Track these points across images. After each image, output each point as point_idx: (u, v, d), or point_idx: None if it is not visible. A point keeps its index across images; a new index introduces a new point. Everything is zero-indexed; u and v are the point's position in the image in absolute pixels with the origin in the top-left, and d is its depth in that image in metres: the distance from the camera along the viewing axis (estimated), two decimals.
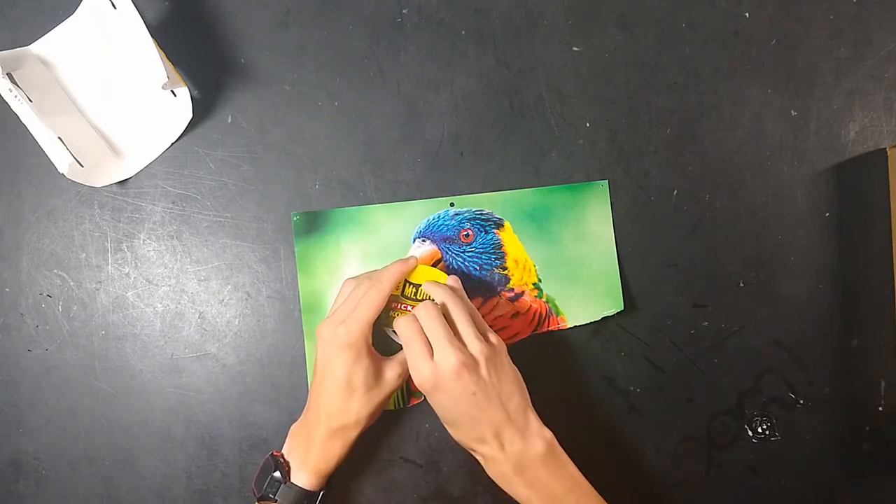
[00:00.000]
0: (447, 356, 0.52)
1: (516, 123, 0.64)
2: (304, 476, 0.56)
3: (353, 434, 0.56)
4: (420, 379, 0.53)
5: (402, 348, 0.58)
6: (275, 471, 0.57)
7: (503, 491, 0.54)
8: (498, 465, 0.53)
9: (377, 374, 0.56)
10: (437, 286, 0.57)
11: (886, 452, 0.64)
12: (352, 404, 0.55)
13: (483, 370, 0.53)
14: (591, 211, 0.64)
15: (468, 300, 0.57)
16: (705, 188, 0.65)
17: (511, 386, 0.54)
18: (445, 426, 0.56)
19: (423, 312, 0.54)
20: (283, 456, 0.58)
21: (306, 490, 0.56)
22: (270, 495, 0.56)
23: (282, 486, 0.56)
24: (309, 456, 0.57)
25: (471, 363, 0.52)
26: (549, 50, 0.64)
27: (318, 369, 0.57)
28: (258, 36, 0.64)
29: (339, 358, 0.55)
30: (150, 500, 0.64)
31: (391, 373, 0.57)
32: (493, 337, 0.55)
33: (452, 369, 0.52)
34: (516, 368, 0.56)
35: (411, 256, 0.60)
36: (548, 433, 0.54)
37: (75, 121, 0.63)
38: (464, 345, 0.53)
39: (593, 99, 0.64)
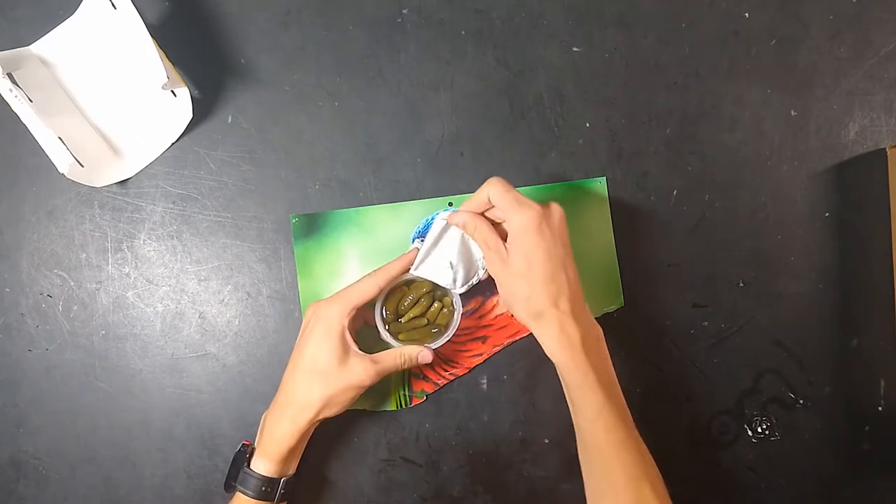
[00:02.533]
0: (551, 203, 0.54)
1: (516, 123, 0.64)
2: (260, 462, 0.56)
3: (303, 417, 0.55)
4: (526, 215, 0.52)
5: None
6: (237, 457, 0.57)
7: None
8: (566, 332, 0.53)
9: (343, 359, 0.55)
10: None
11: (886, 452, 0.64)
12: (308, 383, 0.55)
13: (566, 233, 0.55)
14: (590, 207, 0.64)
15: None
16: (705, 188, 0.65)
17: (573, 260, 0.55)
18: (514, 285, 0.53)
19: (501, 182, 0.54)
20: (251, 444, 0.58)
21: (263, 476, 0.55)
22: (233, 482, 0.56)
23: (240, 471, 0.56)
24: (262, 440, 0.56)
25: (564, 219, 0.55)
26: (549, 50, 0.64)
27: (295, 347, 0.57)
28: (258, 36, 0.64)
29: (312, 333, 0.55)
30: (150, 500, 0.64)
31: (358, 365, 0.55)
32: None
33: (559, 213, 0.54)
34: None
35: (413, 248, 0.59)
36: (598, 324, 0.56)
37: (75, 121, 0.63)
38: None
39: (593, 99, 0.64)
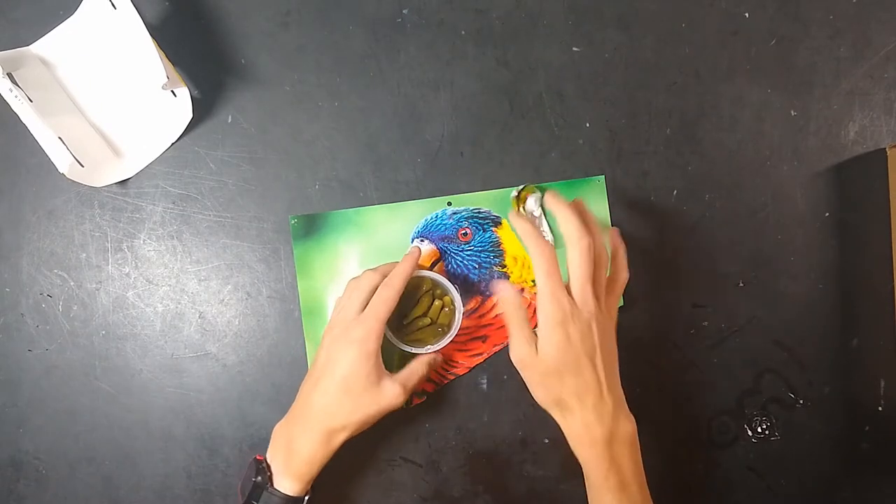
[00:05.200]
0: (587, 300, 0.52)
1: (516, 123, 0.64)
2: (286, 481, 0.55)
3: (338, 439, 0.55)
4: (555, 310, 0.51)
5: (405, 363, 0.57)
6: (257, 476, 0.55)
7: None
8: (590, 429, 0.52)
9: (376, 382, 0.55)
10: (575, 225, 0.54)
11: (886, 452, 0.64)
12: (343, 406, 0.54)
13: (606, 333, 0.53)
14: (589, 206, 0.64)
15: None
16: (705, 188, 0.65)
17: (616, 360, 0.54)
18: (538, 376, 0.53)
19: (578, 253, 0.52)
20: (265, 460, 0.56)
21: (289, 496, 0.55)
22: (254, 501, 0.55)
23: (264, 491, 0.55)
24: (291, 460, 0.55)
25: (600, 320, 0.52)
26: (549, 50, 0.64)
27: (318, 367, 0.56)
28: (258, 36, 0.64)
29: (346, 354, 0.54)
30: (150, 500, 0.64)
31: (391, 390, 0.55)
32: (613, 310, 0.55)
33: (587, 316, 0.52)
34: None
35: (414, 247, 0.59)
36: (634, 420, 0.54)
37: (75, 121, 0.63)
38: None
39: (593, 99, 0.65)
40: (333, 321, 0.56)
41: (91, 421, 0.64)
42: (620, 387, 0.54)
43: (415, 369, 0.58)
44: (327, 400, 0.55)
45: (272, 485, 0.55)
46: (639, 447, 0.54)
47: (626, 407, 0.54)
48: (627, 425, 0.54)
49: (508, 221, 0.60)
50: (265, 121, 0.64)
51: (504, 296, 0.55)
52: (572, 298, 0.52)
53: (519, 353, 0.53)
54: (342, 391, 0.54)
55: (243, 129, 0.64)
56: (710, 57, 0.65)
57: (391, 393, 0.55)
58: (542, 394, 0.54)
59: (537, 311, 0.52)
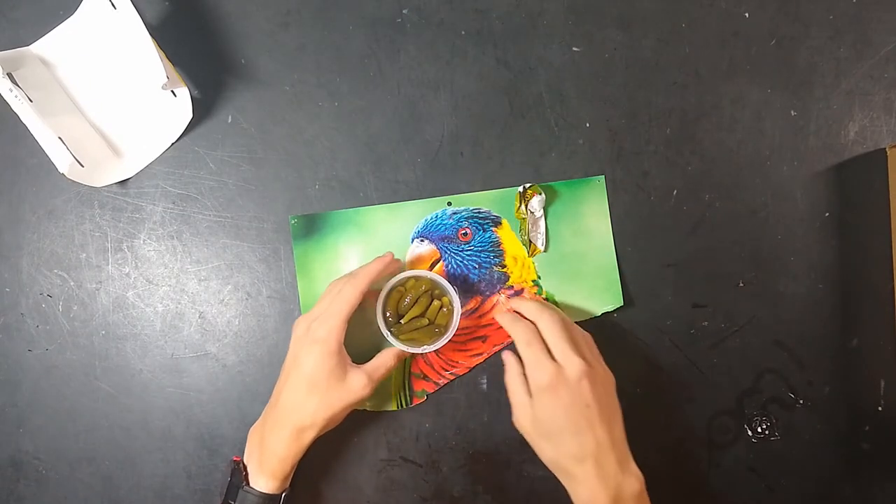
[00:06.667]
0: (572, 361, 0.53)
1: (516, 123, 0.64)
2: (262, 479, 0.56)
3: (307, 436, 0.55)
4: (540, 375, 0.53)
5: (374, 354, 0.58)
6: (233, 475, 0.56)
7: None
8: (593, 493, 0.52)
9: (342, 377, 0.55)
10: (536, 306, 0.58)
11: (886, 452, 0.64)
12: (310, 403, 0.55)
13: (599, 387, 0.54)
14: (589, 206, 0.64)
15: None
16: (705, 188, 0.65)
17: (617, 413, 0.55)
18: (538, 442, 0.54)
19: (547, 319, 0.55)
20: (242, 460, 0.57)
21: (265, 493, 0.56)
22: (231, 501, 0.56)
23: (240, 490, 0.56)
24: (265, 458, 0.56)
25: (591, 375, 0.53)
26: (549, 50, 0.65)
27: (286, 365, 0.57)
28: (258, 36, 0.64)
29: (308, 353, 0.55)
30: (150, 500, 0.64)
31: (357, 381, 0.55)
32: (603, 366, 0.56)
33: (576, 374, 0.53)
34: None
35: (388, 252, 0.60)
36: (640, 475, 0.54)
37: (75, 121, 0.63)
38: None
39: (593, 99, 0.65)
40: (300, 319, 0.57)
41: (91, 421, 0.64)
42: (625, 441, 0.54)
43: (383, 361, 0.58)
44: (295, 399, 0.55)
45: (248, 483, 0.56)
46: (646, 499, 0.54)
47: (632, 462, 0.54)
48: (634, 483, 0.53)
49: (497, 319, 0.61)
50: (265, 121, 0.64)
51: (505, 361, 0.58)
52: (556, 361, 0.54)
53: (516, 419, 0.56)
54: (308, 390, 0.55)
55: (243, 129, 0.64)
56: (710, 57, 0.65)
57: (357, 385, 0.55)
58: (545, 458, 0.55)
59: (528, 381, 0.54)
